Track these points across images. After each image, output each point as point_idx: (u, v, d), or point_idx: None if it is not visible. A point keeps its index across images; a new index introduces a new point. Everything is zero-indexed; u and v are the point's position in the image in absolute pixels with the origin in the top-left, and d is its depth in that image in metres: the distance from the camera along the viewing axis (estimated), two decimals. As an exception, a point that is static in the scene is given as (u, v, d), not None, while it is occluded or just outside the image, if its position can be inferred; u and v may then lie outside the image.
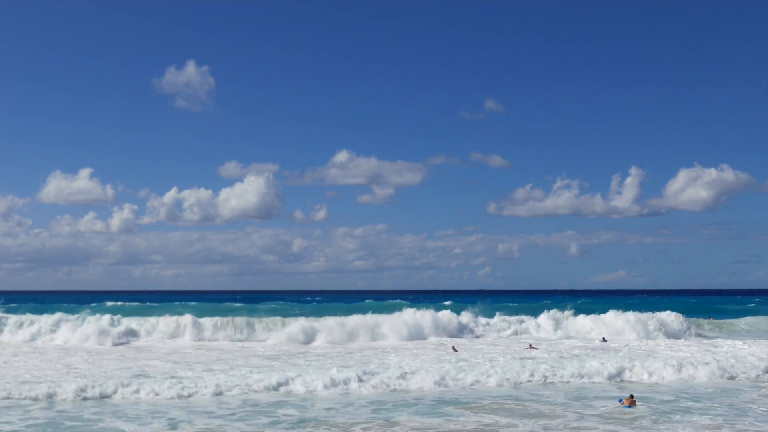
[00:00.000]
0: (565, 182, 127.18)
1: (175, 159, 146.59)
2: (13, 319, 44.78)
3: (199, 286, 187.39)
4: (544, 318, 50.14)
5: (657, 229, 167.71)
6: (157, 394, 22.67)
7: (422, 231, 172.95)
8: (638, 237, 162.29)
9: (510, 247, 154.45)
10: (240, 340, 43.27)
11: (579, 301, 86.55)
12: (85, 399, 22.04)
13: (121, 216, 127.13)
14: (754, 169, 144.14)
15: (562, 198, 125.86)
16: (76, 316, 45.01)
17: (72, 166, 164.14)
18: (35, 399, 21.77)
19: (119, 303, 65.07)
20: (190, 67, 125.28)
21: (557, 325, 49.36)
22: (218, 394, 23.19)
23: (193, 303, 65.93)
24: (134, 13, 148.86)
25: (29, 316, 45.29)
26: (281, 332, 43.46)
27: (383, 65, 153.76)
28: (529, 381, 26.44)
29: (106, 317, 44.61)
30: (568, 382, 26.72)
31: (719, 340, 43.01)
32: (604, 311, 52.55)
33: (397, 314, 47.57)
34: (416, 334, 44.46)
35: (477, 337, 46.29)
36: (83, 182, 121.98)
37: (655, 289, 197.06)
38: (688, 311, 58.09)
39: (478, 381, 25.96)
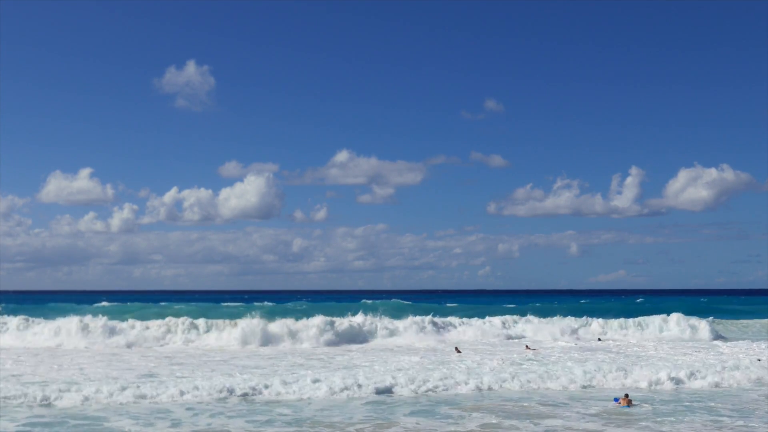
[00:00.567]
0: (566, 182, 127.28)
1: (175, 159, 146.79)
2: (9, 321, 44.57)
3: (199, 286, 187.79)
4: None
5: (657, 229, 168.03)
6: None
7: (422, 231, 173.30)
8: (638, 237, 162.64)
9: (510, 247, 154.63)
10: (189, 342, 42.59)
11: (582, 301, 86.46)
12: (87, 399, 21.87)
13: (121, 216, 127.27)
14: (755, 169, 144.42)
15: (563, 198, 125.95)
16: (68, 318, 44.36)
17: (72, 166, 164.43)
18: (38, 400, 21.59)
19: (113, 303, 64.61)
20: (191, 67, 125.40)
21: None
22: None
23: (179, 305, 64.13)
24: (134, 13, 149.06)
25: (24, 319, 44.90)
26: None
27: (383, 65, 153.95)
28: (528, 382, 26.27)
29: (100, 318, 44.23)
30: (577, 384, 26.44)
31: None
32: (605, 311, 52.61)
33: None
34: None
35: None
36: (83, 182, 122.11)
37: (655, 288, 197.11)
38: (698, 312, 57.82)
39: (487, 384, 25.51)
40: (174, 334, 43.14)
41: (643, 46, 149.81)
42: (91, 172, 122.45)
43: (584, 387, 25.66)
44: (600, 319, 51.02)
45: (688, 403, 22.53)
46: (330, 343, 41.57)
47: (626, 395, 22.80)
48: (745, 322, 58.28)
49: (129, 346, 40.08)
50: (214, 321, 45.10)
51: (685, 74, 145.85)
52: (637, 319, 51.12)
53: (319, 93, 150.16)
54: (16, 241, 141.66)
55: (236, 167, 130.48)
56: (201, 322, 44.78)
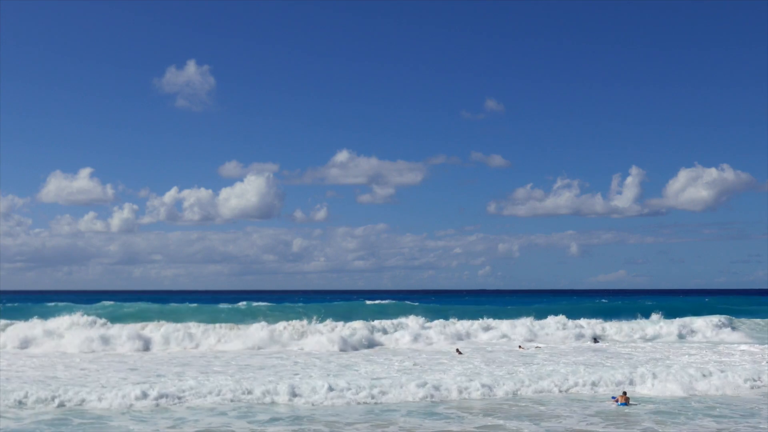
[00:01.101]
0: (566, 182, 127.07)
1: (175, 159, 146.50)
2: (10, 322, 44.36)
3: (199, 286, 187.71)
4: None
5: (657, 229, 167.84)
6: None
7: (422, 231, 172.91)
8: (639, 237, 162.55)
9: (510, 247, 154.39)
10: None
11: (585, 300, 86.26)
12: (90, 400, 21.88)
13: (121, 216, 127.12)
14: (755, 169, 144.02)
15: (563, 198, 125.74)
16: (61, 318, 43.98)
17: (72, 166, 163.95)
18: (40, 399, 21.61)
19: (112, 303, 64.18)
20: (191, 67, 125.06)
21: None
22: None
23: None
24: (134, 13, 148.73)
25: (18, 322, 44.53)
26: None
27: (383, 65, 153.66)
28: (527, 382, 26.24)
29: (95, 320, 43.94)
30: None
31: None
32: (606, 311, 52.52)
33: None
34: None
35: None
36: (83, 182, 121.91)
37: (655, 288, 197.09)
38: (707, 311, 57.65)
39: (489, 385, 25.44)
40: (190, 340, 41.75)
41: (643, 46, 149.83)
42: (91, 172, 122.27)
43: (573, 388, 25.42)
44: (599, 320, 51.01)
45: (690, 404, 22.57)
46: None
47: (624, 393, 22.87)
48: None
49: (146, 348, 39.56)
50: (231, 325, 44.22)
51: (685, 74, 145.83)
52: (637, 320, 51.11)
53: (319, 93, 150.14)
54: (16, 241, 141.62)
55: (236, 167, 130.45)
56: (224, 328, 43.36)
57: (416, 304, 65.26)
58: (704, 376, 26.46)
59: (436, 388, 24.20)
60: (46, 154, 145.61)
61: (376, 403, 22.24)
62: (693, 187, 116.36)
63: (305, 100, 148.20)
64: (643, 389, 25.01)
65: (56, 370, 28.61)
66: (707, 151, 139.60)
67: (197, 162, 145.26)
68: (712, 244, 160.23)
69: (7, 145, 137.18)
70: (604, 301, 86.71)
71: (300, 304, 62.51)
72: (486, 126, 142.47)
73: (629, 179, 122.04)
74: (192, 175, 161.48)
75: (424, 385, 24.39)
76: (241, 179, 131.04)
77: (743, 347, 40.29)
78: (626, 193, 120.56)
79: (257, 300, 65.21)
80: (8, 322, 43.07)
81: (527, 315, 51.70)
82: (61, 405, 21.10)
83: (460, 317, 51.21)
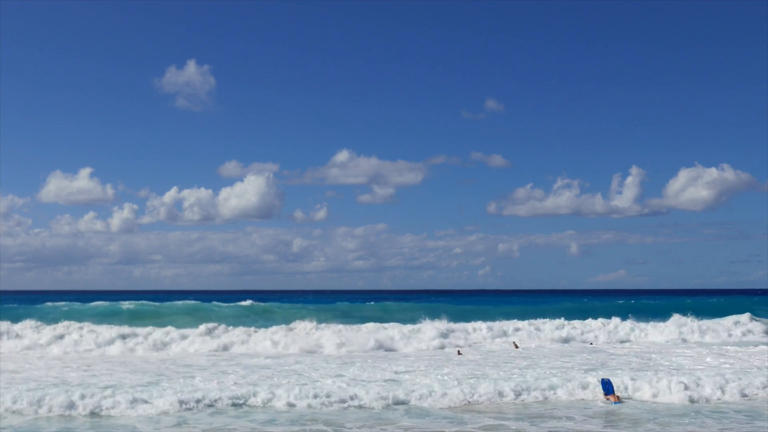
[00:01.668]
0: (566, 182, 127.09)
1: (175, 159, 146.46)
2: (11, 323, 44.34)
3: (199, 286, 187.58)
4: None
5: (657, 229, 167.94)
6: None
7: (422, 231, 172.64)
8: (639, 237, 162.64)
9: (510, 247, 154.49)
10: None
11: (585, 300, 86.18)
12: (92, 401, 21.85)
13: (121, 216, 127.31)
14: (755, 169, 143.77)
15: (563, 198, 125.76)
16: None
17: (72, 166, 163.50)
18: (41, 399, 21.56)
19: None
20: (191, 67, 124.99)
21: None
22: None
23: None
24: (134, 13, 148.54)
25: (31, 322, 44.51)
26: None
27: (383, 65, 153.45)
28: (526, 385, 26.19)
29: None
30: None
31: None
32: (607, 311, 52.37)
33: None
34: None
35: None
36: (83, 182, 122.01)
37: (655, 288, 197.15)
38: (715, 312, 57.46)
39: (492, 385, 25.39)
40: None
41: (642, 45, 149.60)
42: (91, 172, 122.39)
43: (574, 388, 25.44)
44: (598, 320, 50.87)
45: (694, 406, 22.51)
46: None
47: (613, 392, 22.86)
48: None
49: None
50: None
51: (685, 74, 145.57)
52: (637, 321, 51.02)
53: (319, 93, 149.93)
54: (16, 241, 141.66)
55: (236, 167, 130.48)
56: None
57: (419, 304, 65.40)
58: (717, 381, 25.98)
59: (437, 388, 24.22)
60: (46, 154, 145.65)
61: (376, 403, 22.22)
62: (693, 187, 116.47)
63: (305, 100, 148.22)
64: (646, 392, 24.89)
65: (63, 372, 28.60)
66: (707, 151, 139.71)
67: (197, 162, 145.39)
68: (712, 244, 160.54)
69: (7, 145, 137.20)
70: (620, 302, 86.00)
71: (300, 305, 62.62)
72: (486, 126, 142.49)
73: (629, 179, 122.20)
74: (192, 175, 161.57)
75: (424, 385, 24.39)
76: (241, 179, 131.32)
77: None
78: (626, 193, 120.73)
79: (257, 300, 65.29)
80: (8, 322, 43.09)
81: (527, 315, 51.74)
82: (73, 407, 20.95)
83: (461, 317, 51.19)
